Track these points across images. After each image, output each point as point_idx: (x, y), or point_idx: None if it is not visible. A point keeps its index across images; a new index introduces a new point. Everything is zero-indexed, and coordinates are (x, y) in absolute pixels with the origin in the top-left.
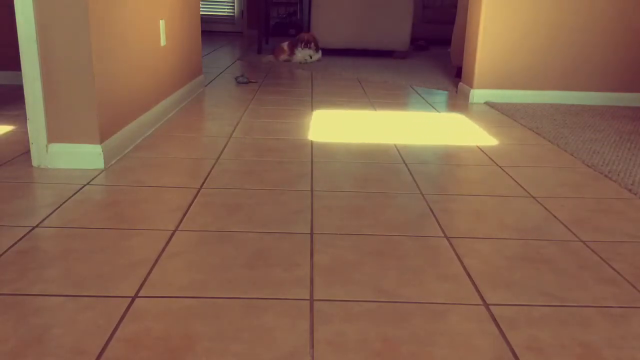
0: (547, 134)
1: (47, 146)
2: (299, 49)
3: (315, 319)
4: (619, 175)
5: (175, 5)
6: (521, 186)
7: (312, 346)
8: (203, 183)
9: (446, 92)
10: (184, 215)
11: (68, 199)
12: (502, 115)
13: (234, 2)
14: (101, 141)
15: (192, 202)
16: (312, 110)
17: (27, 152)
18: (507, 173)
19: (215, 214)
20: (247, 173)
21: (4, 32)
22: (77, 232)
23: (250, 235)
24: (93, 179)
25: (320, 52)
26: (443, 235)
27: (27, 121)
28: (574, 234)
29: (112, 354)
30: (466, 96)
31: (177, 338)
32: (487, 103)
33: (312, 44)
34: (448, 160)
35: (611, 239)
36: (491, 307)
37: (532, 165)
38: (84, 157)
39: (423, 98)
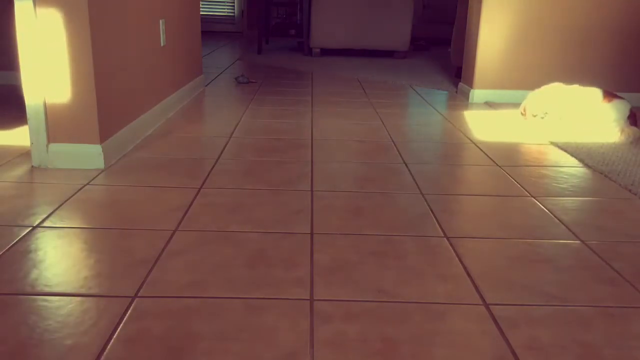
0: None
1: (47, 146)
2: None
3: (315, 319)
4: (618, 175)
5: (175, 5)
6: (521, 186)
7: (312, 346)
8: (203, 183)
9: (446, 92)
10: (184, 215)
11: (68, 199)
12: (500, 114)
13: (234, 2)
14: (101, 141)
15: (192, 202)
16: (312, 110)
17: (27, 152)
18: (507, 173)
19: (215, 214)
20: (247, 173)
21: (4, 31)
22: (77, 232)
23: (250, 235)
24: (93, 179)
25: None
26: (443, 235)
27: (27, 121)
28: (574, 234)
29: (112, 354)
30: (466, 96)
31: (177, 338)
32: (486, 103)
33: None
34: (449, 159)
35: (611, 239)
36: (491, 307)
37: (532, 165)
38: (84, 157)
39: (423, 98)
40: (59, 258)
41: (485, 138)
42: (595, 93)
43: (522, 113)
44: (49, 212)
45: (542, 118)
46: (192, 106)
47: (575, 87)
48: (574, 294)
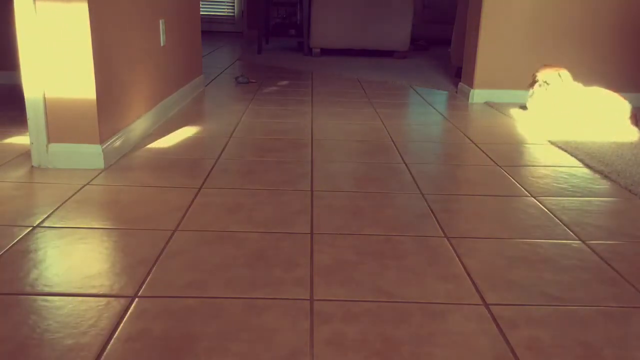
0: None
1: (47, 146)
2: None
3: (315, 319)
4: (618, 175)
5: (175, 5)
6: (521, 186)
7: (312, 346)
8: (203, 183)
9: (446, 92)
10: (184, 215)
11: (68, 199)
12: (501, 114)
13: (234, 2)
14: (101, 141)
15: (192, 202)
16: (312, 110)
17: (27, 152)
18: (506, 173)
19: (215, 214)
20: (247, 173)
21: (4, 31)
22: (77, 232)
23: (250, 235)
24: (93, 179)
25: None
26: (443, 235)
27: (27, 121)
28: (574, 234)
29: (112, 354)
30: (466, 96)
31: (177, 338)
32: (487, 103)
33: None
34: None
35: (611, 239)
36: (491, 307)
37: (532, 165)
38: (84, 157)
39: (423, 98)
40: (59, 258)
41: (486, 138)
42: (599, 91)
43: (530, 84)
44: (49, 212)
45: (541, 86)
46: (192, 106)
47: (579, 85)
48: (574, 294)
